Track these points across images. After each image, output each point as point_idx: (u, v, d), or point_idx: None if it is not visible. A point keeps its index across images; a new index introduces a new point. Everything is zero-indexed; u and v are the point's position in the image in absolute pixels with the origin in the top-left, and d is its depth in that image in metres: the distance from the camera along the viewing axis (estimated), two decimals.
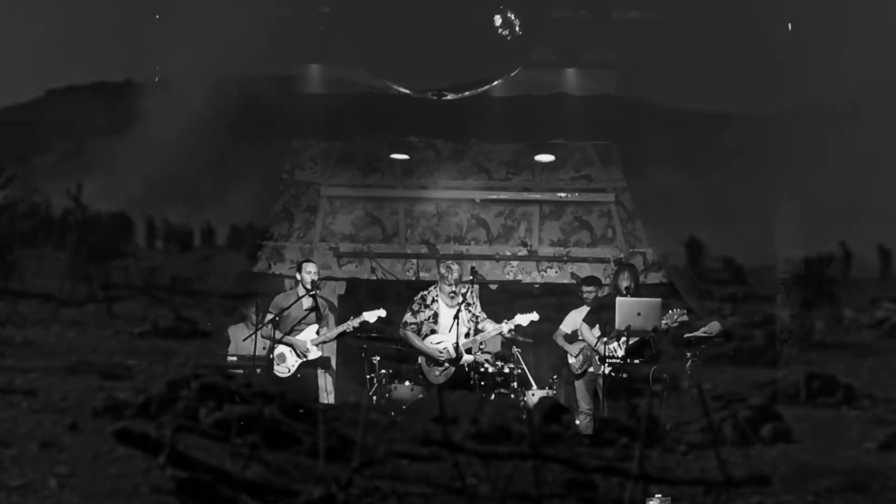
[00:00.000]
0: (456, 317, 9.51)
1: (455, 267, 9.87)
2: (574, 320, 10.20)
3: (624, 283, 9.90)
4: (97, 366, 6.32)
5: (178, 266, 11.34)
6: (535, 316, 9.71)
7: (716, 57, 10.64)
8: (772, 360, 9.93)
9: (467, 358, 9.62)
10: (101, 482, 3.89)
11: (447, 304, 9.71)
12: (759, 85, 10.93)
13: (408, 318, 9.78)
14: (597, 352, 9.53)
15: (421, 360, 9.71)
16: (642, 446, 3.97)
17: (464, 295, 9.74)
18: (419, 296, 9.96)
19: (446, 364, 9.55)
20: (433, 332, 9.66)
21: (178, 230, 11.91)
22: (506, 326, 9.63)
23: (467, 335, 9.66)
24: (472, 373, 9.64)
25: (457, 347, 9.50)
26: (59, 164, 11.25)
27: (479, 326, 9.74)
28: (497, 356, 10.22)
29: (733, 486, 3.87)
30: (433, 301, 9.81)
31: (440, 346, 9.60)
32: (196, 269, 11.48)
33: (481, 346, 10.10)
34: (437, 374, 9.58)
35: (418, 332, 9.70)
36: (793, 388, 6.68)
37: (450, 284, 9.66)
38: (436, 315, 9.73)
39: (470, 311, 9.74)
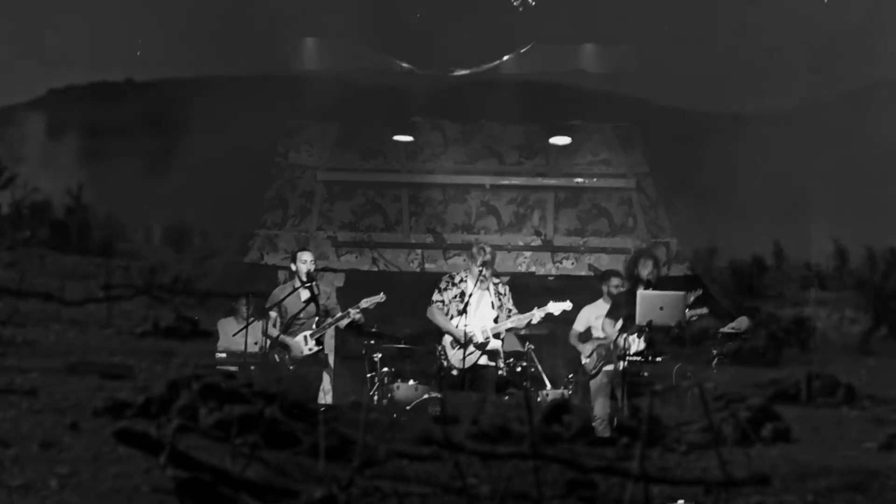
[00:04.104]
0: (465, 306, 9.16)
1: (488, 248, 9.49)
2: (587, 317, 9.82)
3: (644, 271, 9.51)
4: (97, 366, 6.32)
5: (178, 266, 11.32)
6: (567, 305, 9.31)
7: (742, 35, 10.30)
8: (772, 360, 9.90)
9: (495, 343, 9.32)
10: (101, 482, 3.89)
11: (476, 287, 9.35)
12: (790, 65, 10.57)
13: (435, 295, 9.51)
14: (617, 346, 9.17)
15: (445, 341, 9.38)
16: (643, 446, 3.97)
17: (495, 284, 9.44)
18: (448, 275, 9.71)
19: (472, 348, 9.21)
20: (459, 313, 9.28)
21: (175, 228, 11.87)
22: (537, 314, 9.30)
23: (496, 320, 9.35)
24: (494, 366, 9.30)
25: (465, 333, 9.17)
26: (60, 164, 11.24)
27: (510, 321, 9.37)
28: (510, 355, 9.96)
29: (734, 485, 3.88)
30: (461, 281, 9.48)
31: (467, 329, 9.22)
32: (195, 269, 11.46)
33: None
34: (461, 358, 9.23)
35: (445, 313, 9.39)
36: (793, 387, 6.69)
37: (479, 266, 9.31)
38: (462, 294, 9.37)
39: (500, 300, 9.43)
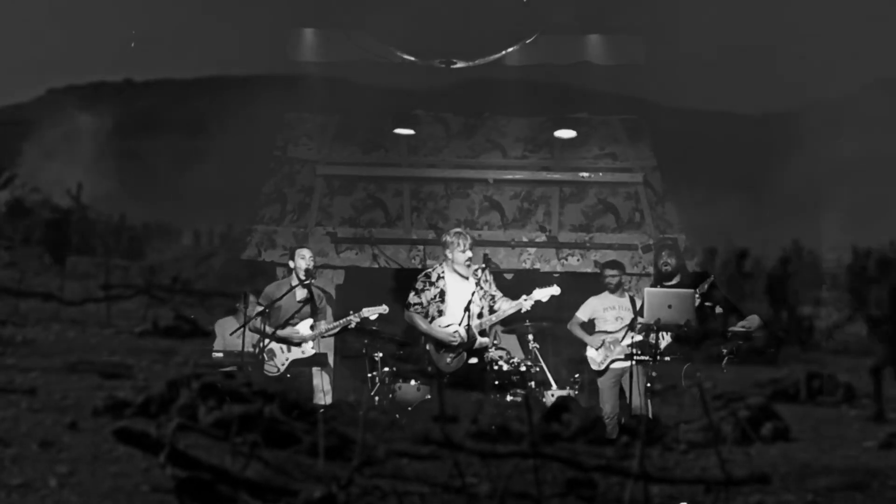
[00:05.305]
0: (468, 304, 8.65)
1: (465, 233, 8.94)
2: (593, 307, 9.53)
3: (659, 261, 9.38)
4: (97, 365, 6.32)
5: (177, 265, 11.31)
6: (555, 290, 8.79)
7: (749, 29, 10.22)
8: (771, 359, 9.89)
9: (482, 341, 8.80)
10: (100, 481, 3.90)
11: (458, 280, 8.80)
12: (801, 59, 10.48)
13: (412, 298, 8.87)
14: (646, 345, 8.96)
15: (429, 346, 8.82)
16: (643, 445, 3.98)
17: (475, 273, 8.83)
18: (423, 273, 9.05)
19: (459, 349, 8.73)
20: (441, 313, 8.77)
21: (171, 227, 11.86)
22: (526, 303, 8.73)
23: (480, 315, 8.78)
24: (485, 366, 8.82)
25: (468, 329, 8.65)
26: (59, 164, 11.25)
27: (496, 306, 8.80)
28: (511, 354, 9.75)
29: (733, 484, 3.88)
30: (439, 278, 8.87)
31: (450, 330, 8.73)
32: (195, 268, 11.46)
33: (495, 342, 9.45)
34: (447, 362, 8.76)
35: (426, 315, 8.80)
36: (793, 387, 6.69)
37: (463, 251, 8.71)
38: (442, 293, 8.81)
39: (482, 287, 8.83)
